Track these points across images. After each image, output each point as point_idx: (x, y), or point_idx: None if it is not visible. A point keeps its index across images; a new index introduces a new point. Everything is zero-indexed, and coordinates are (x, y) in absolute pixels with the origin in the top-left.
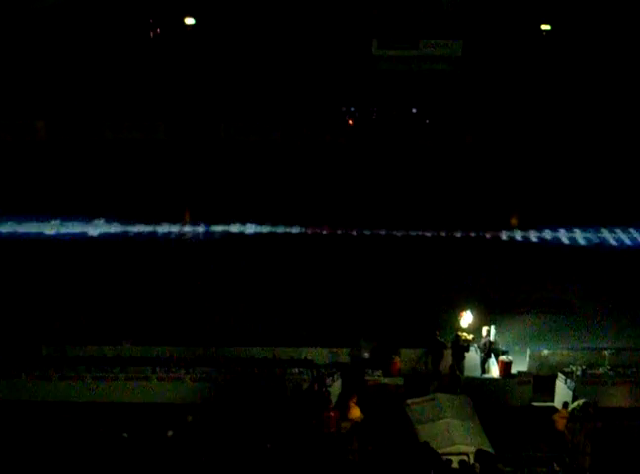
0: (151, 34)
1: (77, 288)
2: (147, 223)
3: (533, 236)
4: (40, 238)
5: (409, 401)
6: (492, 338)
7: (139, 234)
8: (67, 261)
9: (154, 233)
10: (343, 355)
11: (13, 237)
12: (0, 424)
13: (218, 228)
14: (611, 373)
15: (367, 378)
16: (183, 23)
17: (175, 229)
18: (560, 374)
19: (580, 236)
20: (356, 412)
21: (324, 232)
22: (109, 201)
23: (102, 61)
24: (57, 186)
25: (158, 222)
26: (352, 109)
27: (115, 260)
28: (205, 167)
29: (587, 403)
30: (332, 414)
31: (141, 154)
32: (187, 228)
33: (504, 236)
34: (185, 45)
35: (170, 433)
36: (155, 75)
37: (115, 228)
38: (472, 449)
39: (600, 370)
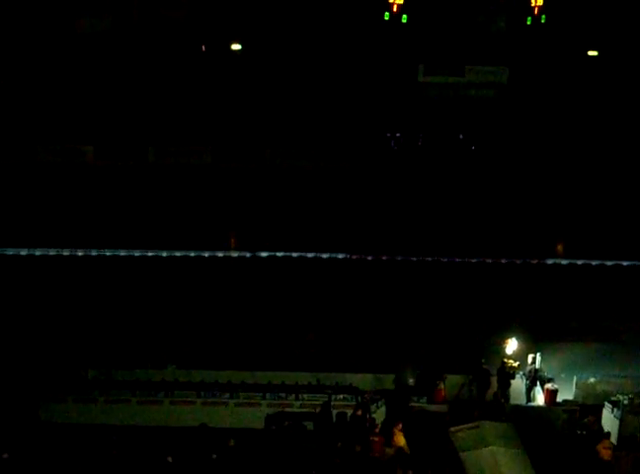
0: (198, 59)
1: (123, 312)
2: (192, 248)
3: (579, 263)
4: (86, 260)
5: (453, 428)
6: (537, 365)
7: (185, 258)
8: (114, 284)
9: (199, 258)
10: (388, 382)
11: (61, 258)
12: (46, 446)
13: (264, 254)
14: None
15: (412, 405)
16: (229, 48)
17: (220, 254)
18: (607, 403)
19: (626, 263)
20: (400, 439)
21: (369, 258)
22: (155, 225)
23: (150, 86)
24: (104, 209)
25: (203, 248)
26: (398, 135)
27: (160, 284)
28: (251, 192)
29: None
30: (377, 439)
31: (188, 178)
32: (233, 253)
33: (550, 262)
34: (232, 71)
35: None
36: (203, 100)
37: (160, 252)
38: None
39: None
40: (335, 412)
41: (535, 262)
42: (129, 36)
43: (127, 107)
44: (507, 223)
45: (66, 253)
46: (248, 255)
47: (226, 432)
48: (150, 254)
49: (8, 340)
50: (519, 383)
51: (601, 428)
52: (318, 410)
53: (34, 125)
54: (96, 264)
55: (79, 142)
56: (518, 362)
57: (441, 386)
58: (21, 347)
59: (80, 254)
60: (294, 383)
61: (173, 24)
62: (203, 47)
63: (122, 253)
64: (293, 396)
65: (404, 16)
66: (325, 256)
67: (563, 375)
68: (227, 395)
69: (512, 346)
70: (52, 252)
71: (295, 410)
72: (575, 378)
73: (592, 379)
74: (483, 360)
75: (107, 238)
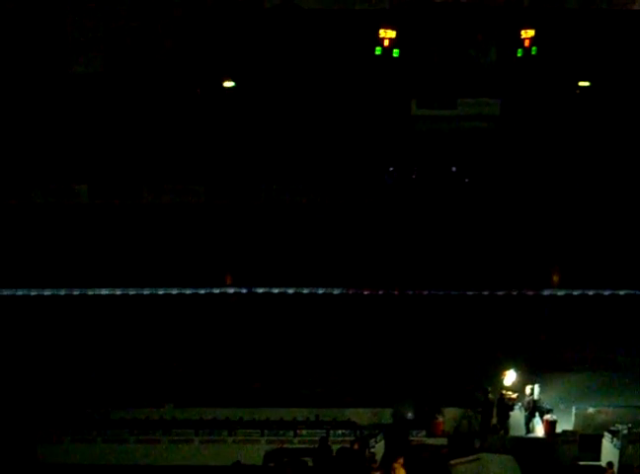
0: (191, 97)
1: (120, 351)
2: (189, 286)
3: (576, 293)
4: (83, 299)
5: (453, 461)
6: (536, 396)
7: (180, 296)
8: (110, 323)
9: (195, 295)
10: (386, 416)
11: (57, 298)
12: None
13: (259, 290)
14: None
15: (411, 438)
16: (222, 86)
17: (216, 291)
18: (606, 433)
19: (623, 293)
20: (401, 473)
21: (365, 293)
22: (151, 263)
23: (143, 125)
24: (99, 248)
25: (199, 285)
26: (391, 169)
27: (157, 322)
28: (246, 229)
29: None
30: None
31: (181, 217)
32: (229, 290)
33: (546, 293)
34: (224, 108)
35: None
36: (196, 138)
37: (156, 291)
38: None
39: None
40: (336, 447)
41: (532, 293)
42: (122, 76)
43: (121, 146)
44: (502, 255)
45: (63, 293)
46: (244, 291)
47: (225, 470)
48: (146, 292)
49: (5, 379)
50: (517, 414)
51: None
52: (316, 446)
53: (27, 165)
54: (92, 303)
55: (73, 182)
56: (516, 394)
57: (440, 419)
58: (18, 387)
59: (76, 293)
60: (292, 419)
61: (164, 63)
62: (199, 91)
63: (119, 292)
64: (292, 432)
65: (395, 50)
66: (321, 291)
67: (562, 406)
68: (225, 432)
69: (510, 377)
70: (48, 292)
71: (294, 446)
72: (574, 409)
73: (590, 409)
74: (489, 389)
75: (103, 277)
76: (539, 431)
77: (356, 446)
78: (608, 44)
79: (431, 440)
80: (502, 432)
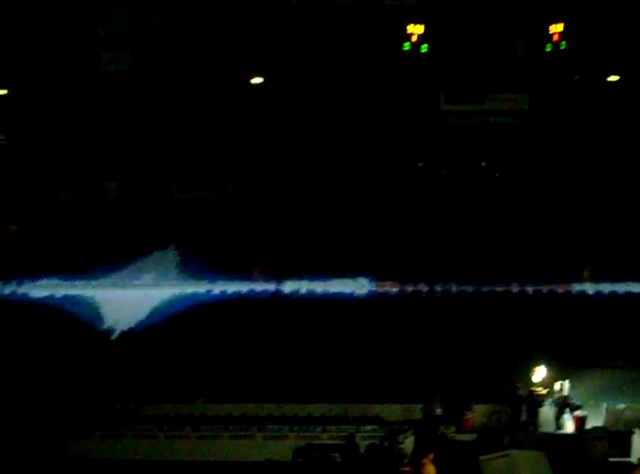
0: (219, 94)
1: (150, 347)
2: (217, 281)
3: (606, 288)
4: (113, 295)
5: (483, 457)
6: (566, 392)
7: (208, 292)
8: (140, 318)
9: (224, 291)
10: (415, 412)
11: (85, 295)
12: None
13: (287, 286)
14: None
15: (441, 434)
16: (250, 82)
17: (245, 288)
18: (637, 429)
19: None
20: (431, 469)
21: (394, 289)
22: (181, 259)
23: (171, 122)
24: (128, 244)
25: (228, 281)
26: (420, 164)
27: (185, 318)
28: (274, 225)
29: None
30: (406, 469)
31: (210, 213)
32: (258, 286)
33: (576, 289)
34: (253, 104)
35: None
36: (222, 134)
37: (184, 286)
38: None
39: None
40: (365, 443)
41: (562, 289)
42: (150, 73)
43: (150, 143)
44: (532, 250)
45: (90, 288)
46: (272, 288)
47: (256, 465)
48: (177, 289)
49: (37, 376)
50: (547, 410)
51: None
52: (343, 442)
53: (57, 163)
54: (123, 298)
55: (103, 179)
56: (546, 390)
57: (469, 415)
58: (49, 383)
59: (105, 289)
60: (321, 415)
61: (191, 59)
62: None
63: (152, 287)
64: (321, 428)
65: (424, 45)
66: (348, 290)
67: (592, 402)
68: (255, 428)
69: (540, 373)
70: (77, 288)
71: (323, 442)
72: (604, 405)
73: (621, 405)
74: (519, 385)
75: (133, 273)
76: (569, 427)
77: (385, 443)
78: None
79: (460, 436)
80: (531, 428)
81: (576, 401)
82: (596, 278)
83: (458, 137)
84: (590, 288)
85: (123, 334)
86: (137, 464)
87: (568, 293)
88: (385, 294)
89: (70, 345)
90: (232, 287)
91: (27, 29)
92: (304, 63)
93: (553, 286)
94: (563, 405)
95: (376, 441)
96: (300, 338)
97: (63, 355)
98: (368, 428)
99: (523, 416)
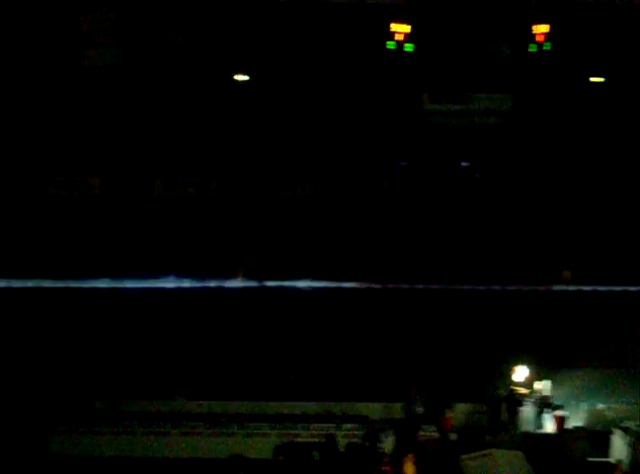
0: (203, 90)
1: (130, 343)
2: (199, 279)
3: (587, 288)
4: (95, 292)
5: (464, 457)
6: (546, 392)
7: (190, 289)
8: (122, 315)
9: (205, 288)
10: (396, 410)
11: (68, 290)
12: None
13: (271, 283)
14: None
15: (421, 433)
16: (233, 79)
17: (228, 284)
18: (616, 429)
19: (635, 289)
20: (410, 469)
21: (376, 286)
22: (163, 256)
23: (156, 119)
24: (111, 240)
25: (209, 277)
26: (403, 163)
27: (166, 315)
28: (258, 222)
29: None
30: (386, 469)
31: (193, 210)
32: (240, 283)
33: (557, 289)
34: (236, 102)
35: None
36: (207, 131)
37: (165, 283)
38: None
39: None
40: (346, 441)
41: (543, 288)
42: (135, 68)
43: (134, 139)
44: (513, 250)
45: (73, 285)
46: (255, 285)
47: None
48: (158, 285)
49: (16, 372)
50: (527, 410)
51: None
52: (323, 440)
53: (40, 159)
54: (104, 295)
55: (86, 174)
56: (527, 389)
57: (450, 414)
58: (29, 379)
59: (87, 286)
60: (302, 413)
61: (176, 55)
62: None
63: (130, 284)
64: (302, 426)
65: (410, 45)
66: (332, 285)
67: (572, 402)
68: (236, 426)
69: (520, 373)
70: (60, 284)
71: (304, 440)
72: (584, 405)
73: (601, 405)
74: (499, 385)
75: (114, 269)
76: (549, 427)
77: (367, 444)
78: (624, 40)
79: (440, 435)
80: (512, 427)
81: (556, 401)
82: (577, 279)
83: (441, 137)
84: (571, 289)
85: (103, 330)
86: (118, 461)
87: (549, 293)
88: (367, 292)
89: (50, 341)
90: (212, 284)
91: (9, 23)
92: (289, 61)
93: (534, 286)
94: (543, 405)
95: (357, 440)
96: (283, 335)
97: (43, 351)
98: (349, 426)
99: (504, 415)
